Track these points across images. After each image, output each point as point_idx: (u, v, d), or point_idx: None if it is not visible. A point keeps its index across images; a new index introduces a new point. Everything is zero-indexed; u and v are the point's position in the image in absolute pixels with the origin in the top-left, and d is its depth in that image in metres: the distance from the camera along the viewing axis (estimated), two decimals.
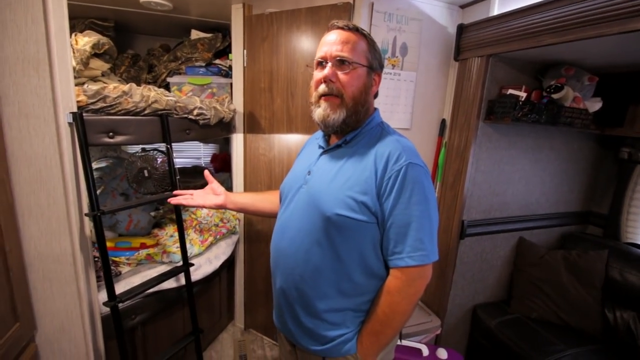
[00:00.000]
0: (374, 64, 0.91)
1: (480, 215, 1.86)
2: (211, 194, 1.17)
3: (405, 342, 1.62)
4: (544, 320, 1.84)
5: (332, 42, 0.87)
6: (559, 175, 2.02)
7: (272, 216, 1.17)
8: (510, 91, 1.60)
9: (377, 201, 0.83)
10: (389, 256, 0.85)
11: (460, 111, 1.74)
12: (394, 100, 1.72)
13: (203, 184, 2.27)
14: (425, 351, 1.59)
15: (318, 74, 0.89)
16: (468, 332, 2.07)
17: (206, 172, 1.19)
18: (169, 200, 1.16)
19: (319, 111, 0.90)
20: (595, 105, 1.71)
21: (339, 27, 0.88)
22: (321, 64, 0.90)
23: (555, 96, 1.60)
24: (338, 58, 0.86)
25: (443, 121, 1.86)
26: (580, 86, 1.67)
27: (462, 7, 1.72)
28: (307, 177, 0.95)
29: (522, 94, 1.57)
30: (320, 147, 1.00)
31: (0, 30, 0.89)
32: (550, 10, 1.29)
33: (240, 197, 1.22)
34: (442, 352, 1.59)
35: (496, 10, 1.55)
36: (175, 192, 1.19)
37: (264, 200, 1.21)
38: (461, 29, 1.70)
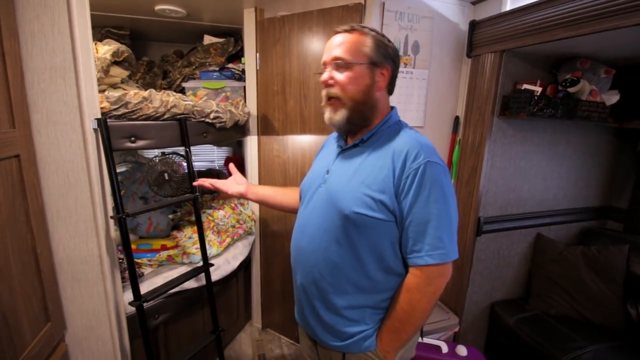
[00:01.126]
0: (378, 59, 0.89)
1: (497, 211, 1.85)
2: (234, 183, 1.24)
3: (424, 340, 1.62)
4: (564, 317, 1.82)
5: (331, 46, 0.90)
6: (577, 170, 1.99)
7: (291, 211, 1.20)
8: (525, 86, 1.59)
9: (395, 200, 0.84)
10: (408, 254, 0.86)
11: (474, 108, 1.73)
12: (406, 98, 1.73)
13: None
14: (445, 348, 1.58)
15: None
16: (486, 330, 2.05)
17: (231, 165, 1.28)
18: (194, 183, 1.28)
19: (325, 115, 0.94)
20: (612, 98, 1.68)
21: (338, 32, 0.91)
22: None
23: (571, 90, 1.58)
24: (335, 61, 0.88)
25: (457, 118, 1.85)
26: (596, 79, 1.65)
27: (474, 3, 1.72)
28: (326, 177, 0.97)
29: (537, 89, 1.56)
30: (338, 146, 1.01)
31: (29, 40, 0.93)
32: (564, 3, 1.27)
33: (261, 188, 1.27)
34: (461, 349, 1.59)
35: (508, 5, 1.54)
36: (199, 179, 1.29)
37: (285, 195, 1.23)
38: (473, 25, 1.69)
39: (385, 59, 0.90)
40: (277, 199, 1.23)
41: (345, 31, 0.89)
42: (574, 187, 2.02)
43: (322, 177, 0.98)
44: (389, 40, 0.92)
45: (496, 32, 1.56)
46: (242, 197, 1.24)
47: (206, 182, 1.26)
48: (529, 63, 1.68)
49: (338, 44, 0.88)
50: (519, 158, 1.81)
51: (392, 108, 0.98)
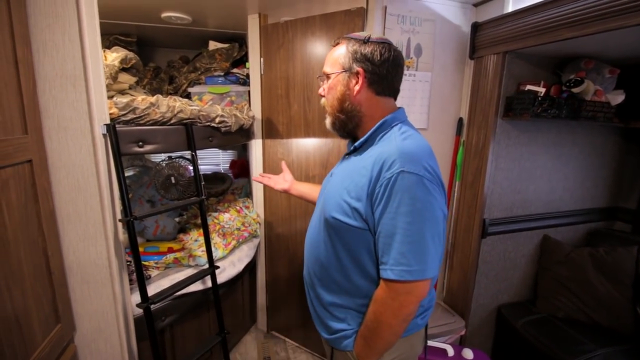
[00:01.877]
0: (349, 64, 0.89)
1: (502, 213, 1.84)
2: (282, 180, 1.40)
3: (430, 343, 1.61)
4: (572, 320, 1.80)
5: (325, 61, 0.97)
6: (583, 170, 1.98)
7: None
8: (529, 87, 1.59)
9: (369, 208, 0.82)
10: (379, 265, 0.84)
11: (478, 109, 1.73)
12: (409, 101, 1.73)
13: (224, 190, 2.33)
14: (451, 351, 1.57)
15: None
16: (493, 333, 2.04)
17: (283, 163, 1.46)
18: (254, 178, 1.50)
19: None
20: (617, 98, 1.67)
21: (332, 46, 0.96)
22: None
23: (575, 90, 1.58)
24: (323, 75, 0.96)
25: (460, 120, 1.85)
26: (601, 79, 1.64)
27: (476, 5, 1.72)
28: (329, 179, 1.02)
29: (541, 89, 1.56)
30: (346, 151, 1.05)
31: (41, 49, 0.96)
32: (567, 3, 1.27)
33: (302, 186, 1.39)
34: (467, 353, 1.58)
35: (510, 6, 1.54)
36: (260, 174, 1.50)
37: (316, 192, 1.30)
38: (475, 27, 1.70)
39: (358, 61, 0.88)
40: (311, 195, 1.33)
41: (335, 44, 0.95)
42: (581, 188, 2.01)
43: (328, 179, 1.03)
44: (377, 41, 0.88)
45: (499, 34, 1.57)
46: (285, 192, 1.40)
47: (258, 178, 1.46)
48: (532, 64, 1.68)
49: (326, 59, 0.96)
50: (524, 159, 1.81)
51: (396, 110, 0.94)
